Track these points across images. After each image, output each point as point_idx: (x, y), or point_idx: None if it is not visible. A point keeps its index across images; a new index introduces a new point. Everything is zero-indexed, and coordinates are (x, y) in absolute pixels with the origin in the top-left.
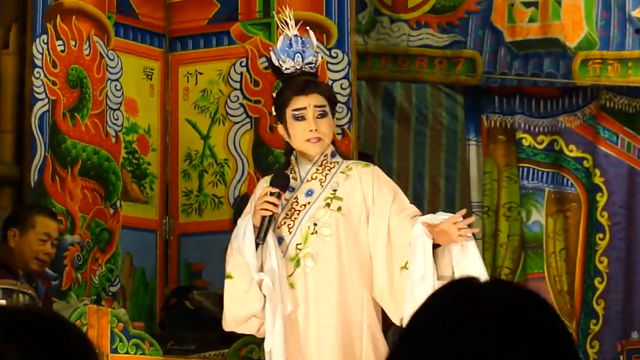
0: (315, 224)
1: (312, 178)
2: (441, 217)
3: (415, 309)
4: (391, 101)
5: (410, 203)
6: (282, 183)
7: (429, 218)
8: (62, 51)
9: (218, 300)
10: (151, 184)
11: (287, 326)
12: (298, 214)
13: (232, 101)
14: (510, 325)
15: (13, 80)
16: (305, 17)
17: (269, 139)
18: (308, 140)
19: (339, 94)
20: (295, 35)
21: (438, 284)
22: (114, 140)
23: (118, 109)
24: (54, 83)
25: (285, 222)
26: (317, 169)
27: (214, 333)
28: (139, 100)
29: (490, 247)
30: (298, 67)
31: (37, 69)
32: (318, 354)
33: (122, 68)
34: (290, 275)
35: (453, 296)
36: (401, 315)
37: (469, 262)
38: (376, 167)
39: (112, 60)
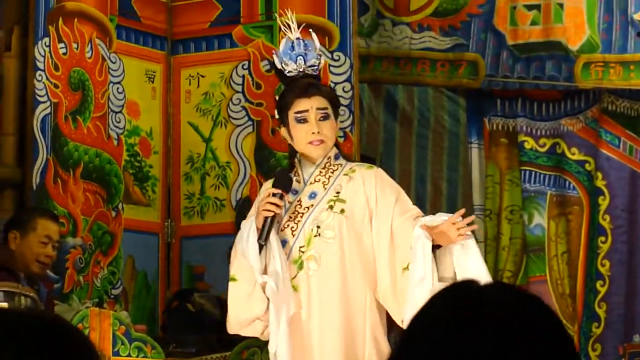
0: (318, 227)
1: (315, 180)
2: (441, 217)
3: (415, 311)
4: (393, 104)
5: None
6: (284, 184)
7: (429, 219)
8: (64, 54)
9: (220, 303)
10: (153, 187)
11: (290, 328)
12: (301, 217)
13: (234, 104)
14: (511, 329)
15: (15, 83)
16: (308, 20)
17: (271, 142)
18: (310, 142)
19: (341, 96)
20: (298, 38)
21: (439, 286)
22: (116, 142)
23: (120, 111)
24: (56, 86)
25: (288, 225)
26: (321, 172)
27: (216, 336)
28: (141, 103)
29: (492, 250)
30: (300, 69)
31: (39, 72)
32: (321, 356)
33: (124, 71)
34: (293, 278)
35: (454, 298)
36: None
37: (470, 261)
38: (379, 169)
39: (114, 62)
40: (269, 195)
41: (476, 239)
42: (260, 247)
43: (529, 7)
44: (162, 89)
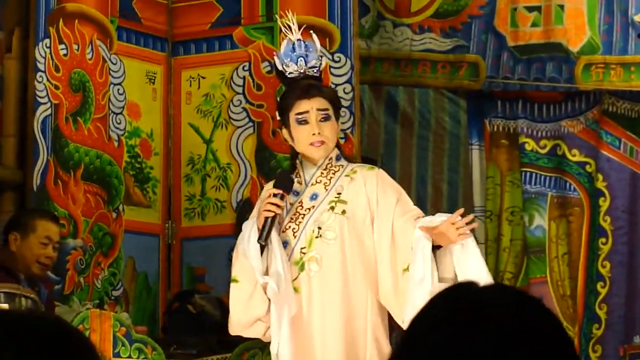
0: (319, 228)
1: (316, 182)
2: (440, 218)
3: (415, 312)
4: (394, 106)
5: None
6: (285, 185)
7: (428, 220)
8: (65, 55)
9: (220, 304)
10: (154, 188)
11: (291, 329)
12: (303, 218)
13: (234, 105)
14: (511, 330)
15: (16, 84)
16: (308, 21)
17: (272, 143)
18: (312, 144)
19: (342, 98)
20: (299, 40)
21: (439, 287)
22: (116, 144)
23: (120, 113)
24: (56, 87)
25: (290, 227)
26: (322, 173)
27: (217, 337)
28: (141, 105)
29: (493, 251)
30: (301, 71)
31: (39, 73)
32: (322, 357)
33: (124, 72)
34: (294, 279)
35: (454, 300)
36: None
37: (470, 261)
38: (381, 170)
39: (114, 64)
40: (270, 196)
41: (477, 240)
42: (262, 248)
43: (530, 9)
44: (162, 90)
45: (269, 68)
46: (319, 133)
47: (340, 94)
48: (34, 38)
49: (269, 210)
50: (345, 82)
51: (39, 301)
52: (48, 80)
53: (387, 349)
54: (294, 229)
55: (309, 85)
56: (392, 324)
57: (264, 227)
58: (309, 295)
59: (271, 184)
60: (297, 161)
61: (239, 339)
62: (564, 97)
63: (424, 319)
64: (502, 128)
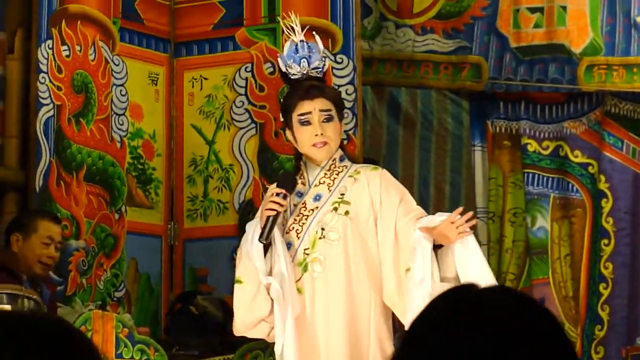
0: (322, 229)
1: (320, 183)
2: (439, 217)
3: (416, 313)
4: (396, 107)
5: None
6: (288, 185)
7: (428, 220)
8: (67, 56)
9: (223, 305)
10: (156, 190)
11: (295, 330)
12: (306, 219)
13: (237, 106)
14: (511, 331)
15: (18, 85)
16: (311, 22)
17: (274, 145)
18: (314, 145)
19: (344, 99)
20: (302, 41)
21: (440, 287)
22: (119, 145)
23: (123, 114)
24: (59, 88)
25: (293, 228)
26: (325, 174)
27: (219, 338)
28: (144, 106)
29: (495, 252)
30: (304, 72)
31: (42, 74)
32: (326, 358)
33: (127, 73)
34: (298, 280)
35: (455, 302)
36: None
37: (470, 258)
38: (384, 170)
39: (117, 65)
40: (272, 195)
41: (479, 242)
42: (266, 249)
43: (532, 10)
44: (165, 91)
45: (271, 69)
46: (321, 134)
47: (343, 95)
48: (36, 39)
49: (271, 209)
50: (348, 84)
51: (41, 302)
52: (50, 81)
53: (390, 349)
54: (297, 230)
55: (312, 86)
56: (395, 325)
57: (265, 225)
58: (312, 296)
59: (274, 185)
60: (301, 162)
61: (241, 340)
62: (566, 99)
63: (424, 321)
64: (505, 129)
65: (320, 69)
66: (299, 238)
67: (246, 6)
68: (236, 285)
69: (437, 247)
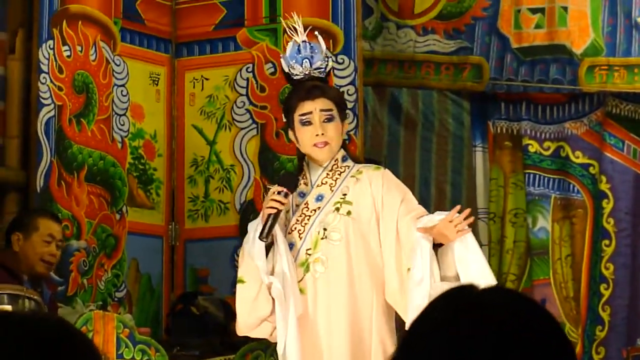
0: (324, 229)
1: (322, 183)
2: (439, 217)
3: (416, 313)
4: (397, 107)
5: None
6: (289, 184)
7: (427, 220)
8: (68, 56)
9: (224, 306)
10: (157, 190)
11: (298, 329)
12: (308, 220)
13: (238, 107)
14: (511, 331)
15: (19, 85)
16: (312, 23)
17: (275, 145)
18: (315, 145)
19: (345, 100)
20: (304, 41)
21: (440, 286)
22: (120, 145)
23: (124, 114)
24: (60, 88)
25: (295, 228)
26: (328, 174)
27: (220, 339)
28: (145, 106)
29: (496, 253)
30: (307, 72)
31: (43, 75)
32: (329, 359)
33: (128, 73)
34: (300, 281)
35: (455, 302)
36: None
37: (470, 256)
38: (387, 170)
39: (118, 65)
40: (273, 193)
41: (480, 242)
42: (268, 249)
43: (533, 11)
44: (166, 91)
45: (272, 70)
46: (322, 134)
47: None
48: (37, 39)
49: (272, 207)
50: (349, 84)
51: (42, 303)
52: (51, 81)
53: (392, 349)
54: (299, 230)
55: (313, 86)
56: (397, 324)
57: (265, 223)
58: (314, 297)
59: (276, 185)
60: (304, 163)
61: (242, 341)
62: (567, 99)
63: (424, 321)
64: (506, 130)
65: (322, 69)
66: (301, 238)
67: (247, 7)
68: (238, 285)
69: (437, 246)
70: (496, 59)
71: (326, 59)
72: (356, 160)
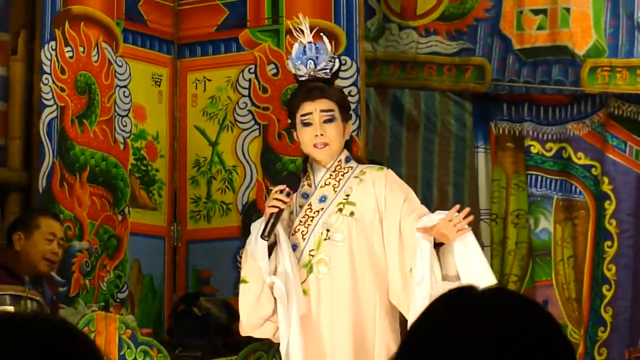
0: (328, 230)
1: (325, 184)
2: (439, 216)
3: (417, 313)
4: (400, 108)
5: None
6: (291, 183)
7: (427, 220)
8: (71, 57)
9: (226, 307)
10: (159, 191)
11: (301, 328)
12: (312, 221)
13: (240, 108)
14: (511, 332)
15: (21, 86)
16: (314, 24)
17: (278, 146)
18: (314, 145)
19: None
20: (310, 42)
21: (442, 285)
22: (122, 146)
23: (126, 115)
24: (62, 89)
25: (299, 229)
26: (331, 175)
27: (222, 340)
28: (147, 107)
29: (498, 254)
30: (311, 73)
31: (45, 75)
32: (333, 357)
33: (130, 74)
34: (303, 282)
35: (456, 302)
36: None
37: (469, 255)
38: (390, 170)
39: (120, 66)
40: (276, 192)
41: (482, 244)
42: (271, 250)
43: (536, 12)
44: (168, 92)
45: (274, 71)
46: (321, 134)
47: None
48: (39, 40)
49: (274, 206)
50: (351, 85)
51: (44, 303)
52: (54, 82)
53: (395, 349)
54: (303, 231)
55: (314, 87)
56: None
57: (267, 222)
58: (317, 298)
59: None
60: (308, 164)
61: (245, 342)
62: (569, 100)
63: (425, 321)
64: (508, 131)
65: (327, 70)
66: (304, 239)
67: (249, 8)
68: (241, 285)
69: (439, 245)
70: (498, 60)
71: (332, 59)
72: (360, 161)
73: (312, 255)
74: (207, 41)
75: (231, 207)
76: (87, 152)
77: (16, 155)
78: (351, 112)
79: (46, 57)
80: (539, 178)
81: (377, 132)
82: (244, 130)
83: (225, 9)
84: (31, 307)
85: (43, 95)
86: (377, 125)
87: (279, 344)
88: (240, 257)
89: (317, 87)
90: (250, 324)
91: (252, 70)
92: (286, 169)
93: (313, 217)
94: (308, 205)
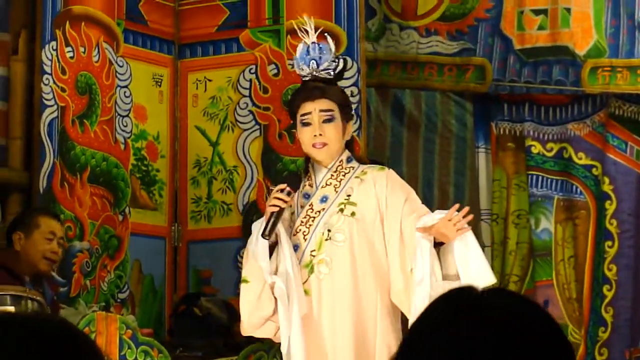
0: (329, 230)
1: (326, 184)
2: (438, 215)
3: (417, 313)
4: (400, 109)
5: None
6: (292, 182)
7: (426, 220)
8: (71, 58)
9: (227, 307)
10: (160, 191)
11: (302, 328)
12: (313, 221)
13: (241, 108)
14: (511, 332)
15: (22, 86)
16: (316, 24)
17: (278, 146)
18: (313, 145)
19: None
20: (313, 43)
21: (442, 285)
22: (122, 146)
23: (127, 115)
24: (63, 89)
25: (300, 229)
26: (332, 175)
27: (223, 340)
28: (148, 107)
29: (499, 254)
30: (314, 73)
31: (46, 76)
32: (334, 357)
33: (131, 75)
34: (304, 282)
35: (456, 303)
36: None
37: (469, 255)
38: (391, 170)
39: (121, 66)
40: (276, 191)
41: (482, 244)
42: (272, 250)
43: (536, 12)
44: (169, 93)
45: (275, 71)
46: (320, 134)
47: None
48: (40, 40)
49: (275, 205)
50: (352, 85)
51: (45, 304)
52: (54, 82)
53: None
54: (304, 232)
55: (314, 87)
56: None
57: (268, 221)
58: (318, 298)
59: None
60: (309, 164)
61: (245, 342)
62: (570, 100)
63: (425, 322)
64: (509, 131)
65: (330, 70)
66: (305, 240)
67: (250, 8)
68: (242, 285)
69: (439, 245)
70: (499, 60)
71: (335, 60)
72: (361, 161)
73: (314, 256)
74: (207, 41)
75: (232, 207)
76: (88, 152)
77: (17, 156)
78: (352, 112)
79: (47, 57)
80: (540, 178)
81: (377, 132)
82: (245, 130)
83: (226, 9)
84: (32, 307)
85: (44, 95)
86: (378, 126)
87: (279, 344)
88: (241, 258)
89: (318, 87)
90: (251, 323)
91: (252, 71)
92: (287, 169)
93: (314, 217)
94: (309, 205)
